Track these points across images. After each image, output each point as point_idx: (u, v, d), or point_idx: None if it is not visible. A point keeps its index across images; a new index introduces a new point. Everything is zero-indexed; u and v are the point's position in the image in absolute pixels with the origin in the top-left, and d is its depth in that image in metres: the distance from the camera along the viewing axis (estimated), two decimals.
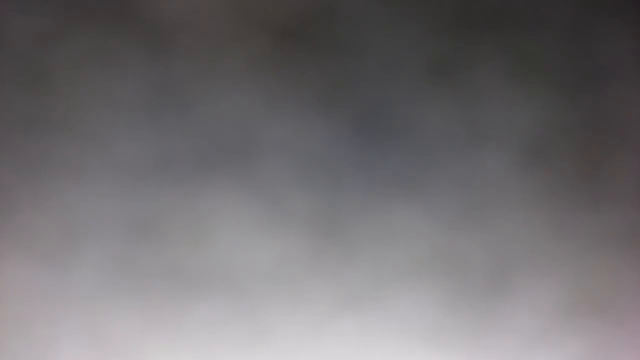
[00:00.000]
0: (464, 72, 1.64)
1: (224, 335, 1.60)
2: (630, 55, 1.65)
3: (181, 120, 1.61)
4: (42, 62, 1.60)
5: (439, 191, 1.63)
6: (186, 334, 1.59)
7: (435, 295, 1.62)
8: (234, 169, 1.61)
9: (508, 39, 1.64)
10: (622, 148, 1.64)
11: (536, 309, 1.62)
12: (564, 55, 1.65)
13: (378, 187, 1.62)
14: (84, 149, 1.60)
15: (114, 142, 1.60)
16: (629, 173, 1.64)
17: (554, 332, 1.62)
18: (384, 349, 1.61)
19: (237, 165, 1.61)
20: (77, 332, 1.58)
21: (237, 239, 1.60)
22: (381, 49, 1.63)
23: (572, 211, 1.63)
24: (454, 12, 1.64)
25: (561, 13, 1.65)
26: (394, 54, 1.63)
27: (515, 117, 1.64)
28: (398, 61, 1.63)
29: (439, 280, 1.62)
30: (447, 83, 1.64)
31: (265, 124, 1.61)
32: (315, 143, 1.62)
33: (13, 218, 1.58)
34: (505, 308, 1.62)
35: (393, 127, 1.62)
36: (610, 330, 1.63)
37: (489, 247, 1.63)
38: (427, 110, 1.63)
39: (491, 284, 1.62)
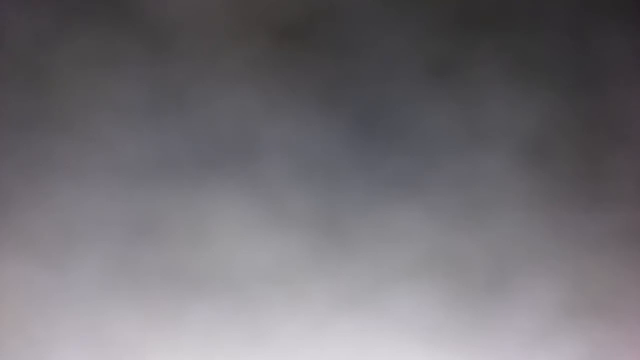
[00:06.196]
0: (464, 72, 1.64)
1: (224, 335, 1.60)
2: (630, 55, 1.65)
3: (181, 120, 1.61)
4: (42, 62, 1.60)
5: (439, 191, 1.63)
6: (186, 334, 1.59)
7: (435, 295, 1.62)
8: (234, 169, 1.61)
9: (508, 39, 1.64)
10: (622, 148, 1.65)
11: (536, 309, 1.62)
12: (564, 55, 1.65)
13: (378, 187, 1.62)
14: (84, 149, 1.60)
15: (114, 142, 1.60)
16: (629, 173, 1.64)
17: (554, 332, 1.62)
18: (384, 348, 1.61)
19: (237, 165, 1.61)
20: (77, 332, 1.58)
21: (237, 239, 1.60)
22: (381, 49, 1.63)
23: (572, 211, 1.64)
24: (454, 12, 1.64)
25: (561, 13, 1.65)
26: (393, 54, 1.63)
27: (515, 117, 1.64)
28: (398, 61, 1.63)
29: (439, 280, 1.62)
30: (447, 83, 1.64)
31: (265, 123, 1.61)
32: (315, 143, 1.62)
33: (13, 218, 1.59)
34: (505, 308, 1.62)
35: (393, 127, 1.62)
36: (610, 330, 1.63)
37: (489, 247, 1.63)
38: (427, 110, 1.63)
39: (491, 284, 1.62)
